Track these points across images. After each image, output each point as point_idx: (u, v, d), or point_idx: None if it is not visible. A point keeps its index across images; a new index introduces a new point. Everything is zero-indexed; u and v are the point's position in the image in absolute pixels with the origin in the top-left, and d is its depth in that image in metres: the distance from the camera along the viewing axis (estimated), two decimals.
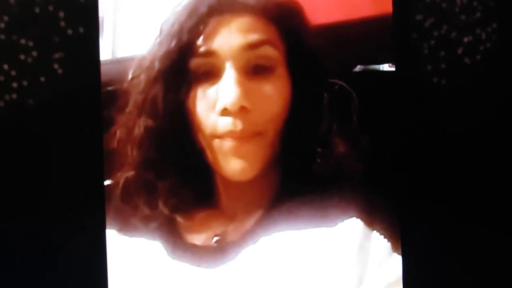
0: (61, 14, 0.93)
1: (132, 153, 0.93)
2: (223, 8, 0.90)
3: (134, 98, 0.92)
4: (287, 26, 0.92)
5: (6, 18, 0.92)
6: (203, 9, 0.90)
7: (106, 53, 0.94)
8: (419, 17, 0.96)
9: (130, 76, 0.93)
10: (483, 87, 0.97)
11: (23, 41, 0.93)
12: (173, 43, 0.90)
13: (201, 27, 0.90)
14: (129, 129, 0.93)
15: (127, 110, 0.93)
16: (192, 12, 0.90)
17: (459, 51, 0.97)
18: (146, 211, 0.94)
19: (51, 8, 0.92)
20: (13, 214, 0.95)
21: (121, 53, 0.94)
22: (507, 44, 0.96)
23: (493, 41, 0.97)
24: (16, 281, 0.96)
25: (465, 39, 0.97)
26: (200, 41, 0.90)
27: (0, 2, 0.91)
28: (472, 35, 0.97)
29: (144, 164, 0.93)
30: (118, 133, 0.93)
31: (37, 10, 0.92)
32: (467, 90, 0.97)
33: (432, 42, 0.96)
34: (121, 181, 0.94)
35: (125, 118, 0.93)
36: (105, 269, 0.94)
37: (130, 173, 0.93)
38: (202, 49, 0.90)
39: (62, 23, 0.93)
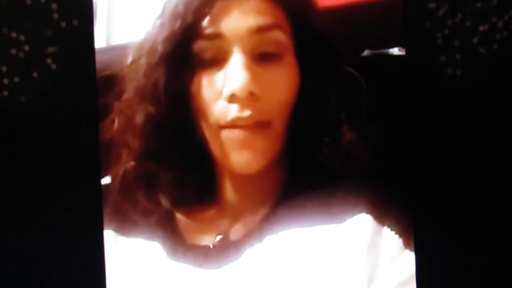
0: (54, 6, 0.91)
1: (132, 143, 0.92)
2: None
3: (134, 83, 0.91)
4: (295, 10, 0.90)
5: None
6: None
7: (100, 41, 0.93)
8: (432, 5, 0.94)
9: (129, 60, 0.91)
10: (500, 78, 0.96)
11: (14, 35, 0.92)
12: (177, 25, 0.89)
13: (207, 8, 0.88)
14: (128, 117, 0.92)
15: (126, 96, 0.92)
16: None
17: (475, 40, 0.95)
18: (146, 204, 0.93)
19: (43, 0, 0.91)
20: (6, 213, 0.95)
21: (115, 41, 0.93)
22: None
23: (510, 29, 0.95)
24: (12, 281, 0.95)
25: (481, 28, 0.95)
26: (205, 22, 0.88)
27: None
28: (488, 23, 0.95)
29: (146, 153, 0.92)
30: (116, 121, 0.92)
31: (28, 2, 0.91)
32: (483, 81, 0.95)
33: (446, 32, 0.95)
34: (120, 173, 0.93)
35: (123, 105, 0.92)
36: (103, 271, 0.93)
37: (130, 164, 0.92)
38: (208, 31, 0.88)
39: (55, 16, 0.92)
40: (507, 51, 0.95)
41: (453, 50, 0.95)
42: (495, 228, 0.97)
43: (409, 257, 0.92)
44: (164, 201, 0.92)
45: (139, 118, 0.91)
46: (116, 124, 0.92)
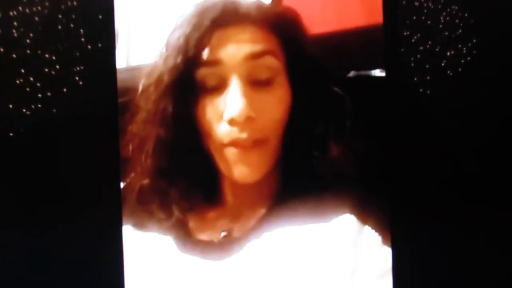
0: (81, 31, 0.97)
1: (146, 162, 0.96)
2: (226, 21, 0.93)
3: (145, 109, 0.95)
4: (286, 35, 0.94)
5: (31, 35, 0.96)
6: (206, 22, 0.93)
7: (121, 62, 0.97)
8: (406, 32, 1.00)
9: (140, 89, 0.95)
10: (464, 96, 1.01)
11: (47, 56, 0.97)
12: (180, 57, 0.93)
13: (206, 40, 0.92)
14: (141, 139, 0.96)
15: (139, 120, 0.95)
16: (196, 25, 0.93)
17: (443, 64, 1.01)
18: (160, 215, 0.97)
19: (72, 25, 0.97)
20: (38, 211, 0.99)
21: (134, 62, 0.97)
22: (485, 58, 1.00)
23: (473, 55, 1.00)
24: (40, 269, 1.00)
25: (448, 53, 1.01)
26: (205, 52, 0.92)
27: (26, 20, 0.96)
28: (454, 49, 1.01)
29: (158, 172, 0.96)
30: (131, 143, 0.96)
31: (59, 27, 0.97)
32: (451, 99, 1.01)
33: (418, 56, 1.00)
34: (137, 188, 0.97)
35: (136, 128, 0.96)
36: (121, 262, 0.98)
37: (145, 181, 0.97)
38: (207, 59, 0.92)
39: (82, 39, 0.97)
40: (471, 73, 1.00)
41: (424, 72, 1.00)
42: (466, 227, 1.02)
43: (387, 252, 0.98)
44: (176, 211, 0.97)
45: (151, 141, 0.95)
46: (131, 146, 0.96)
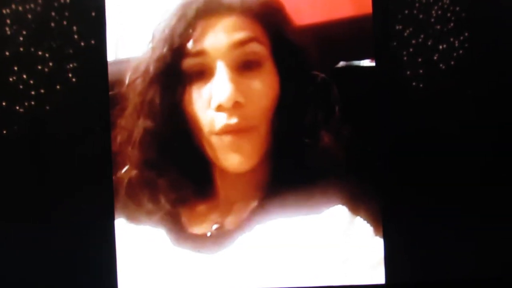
0: (74, 28, 0.98)
1: (133, 154, 0.97)
2: (210, 11, 0.94)
3: (133, 101, 0.96)
4: (271, 23, 0.95)
5: (24, 32, 0.97)
6: (191, 13, 0.94)
7: (111, 56, 0.98)
8: (398, 26, 1.00)
9: (127, 81, 0.96)
10: (456, 89, 1.01)
11: (40, 53, 0.97)
12: (166, 48, 0.94)
13: (191, 30, 0.94)
14: (129, 131, 0.97)
15: (127, 113, 0.96)
16: (181, 16, 0.94)
17: (435, 57, 1.01)
18: (149, 206, 0.98)
19: (65, 22, 0.98)
20: (31, 207, 1.00)
21: (123, 55, 0.98)
22: (477, 51, 1.01)
23: (465, 48, 1.01)
24: (28, 267, 1.00)
25: (440, 47, 1.01)
26: (190, 43, 0.94)
27: (18, 18, 0.97)
28: (447, 43, 1.01)
29: (145, 163, 0.97)
30: (119, 136, 0.97)
31: (52, 24, 0.98)
32: (443, 92, 1.01)
33: (411, 49, 1.01)
34: (125, 180, 0.98)
35: (125, 121, 0.97)
36: (114, 255, 0.99)
37: (133, 172, 0.97)
38: (192, 50, 0.93)
39: (75, 36, 0.98)
40: (463, 67, 1.01)
41: (417, 65, 1.01)
42: (456, 220, 1.03)
43: (379, 243, 0.99)
44: (165, 203, 0.98)
45: (138, 132, 0.96)
46: (119, 139, 0.97)
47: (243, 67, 0.94)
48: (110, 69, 0.97)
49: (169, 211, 0.98)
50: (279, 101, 0.96)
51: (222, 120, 0.94)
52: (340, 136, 0.97)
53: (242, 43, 0.94)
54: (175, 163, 0.97)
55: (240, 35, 0.94)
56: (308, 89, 0.96)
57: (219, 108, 0.94)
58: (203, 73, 0.94)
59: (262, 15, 0.95)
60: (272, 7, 0.96)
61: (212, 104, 0.94)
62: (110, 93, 0.96)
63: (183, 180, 0.98)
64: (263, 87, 0.95)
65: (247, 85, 0.94)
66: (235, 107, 0.93)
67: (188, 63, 0.94)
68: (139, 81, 0.95)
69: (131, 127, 0.96)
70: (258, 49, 0.95)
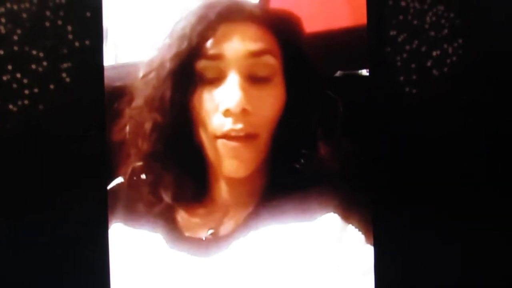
0: (69, 28, 0.98)
1: (142, 145, 0.98)
2: (231, 16, 0.95)
3: (145, 94, 0.97)
4: (285, 37, 0.97)
5: (19, 31, 0.97)
6: (212, 16, 0.95)
7: (110, 59, 0.98)
8: (392, 32, 1.01)
9: (141, 74, 0.97)
10: (449, 96, 1.02)
11: (34, 52, 0.98)
12: (183, 46, 0.95)
13: (210, 32, 0.94)
14: (138, 123, 0.97)
15: (137, 104, 0.97)
16: (202, 17, 0.95)
17: (429, 63, 1.02)
18: (150, 197, 0.99)
19: (60, 22, 0.98)
20: (25, 207, 1.00)
21: (123, 60, 0.99)
22: (471, 58, 1.02)
23: (459, 55, 1.02)
24: (22, 268, 1.00)
25: (434, 53, 1.02)
26: (208, 44, 0.94)
27: (13, 16, 0.97)
28: (440, 49, 1.02)
29: (152, 155, 0.98)
30: (128, 126, 0.98)
31: (47, 24, 0.98)
32: (436, 98, 1.02)
33: (404, 55, 1.02)
34: (129, 170, 0.99)
35: (134, 112, 0.97)
36: (107, 259, 0.99)
37: (138, 164, 0.98)
38: (210, 52, 0.94)
39: (70, 36, 0.98)
40: (456, 73, 1.02)
41: (410, 71, 1.02)
42: (446, 229, 1.04)
43: (370, 251, 0.99)
44: (165, 196, 0.98)
45: (148, 125, 0.97)
46: (127, 129, 0.98)
47: (255, 76, 0.95)
48: (117, 71, 0.98)
49: (167, 208, 0.99)
50: (284, 112, 0.97)
51: (228, 124, 0.95)
52: (339, 148, 0.98)
53: (257, 54, 0.95)
54: (177, 160, 0.98)
55: (257, 46, 0.95)
56: (313, 102, 0.98)
57: (227, 113, 0.95)
58: (216, 77, 0.95)
59: (278, 28, 0.96)
60: (289, 21, 0.97)
61: (220, 108, 0.95)
62: (119, 84, 0.97)
63: (183, 178, 0.98)
64: (271, 98, 0.97)
65: (256, 94, 0.95)
66: (242, 113, 0.94)
67: (203, 64, 0.95)
68: (152, 75, 0.96)
69: (140, 118, 0.97)
70: (272, 61, 0.96)
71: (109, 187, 1.00)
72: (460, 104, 1.02)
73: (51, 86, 0.98)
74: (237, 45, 0.95)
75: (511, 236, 1.05)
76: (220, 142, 0.96)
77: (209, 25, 0.95)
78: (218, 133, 0.95)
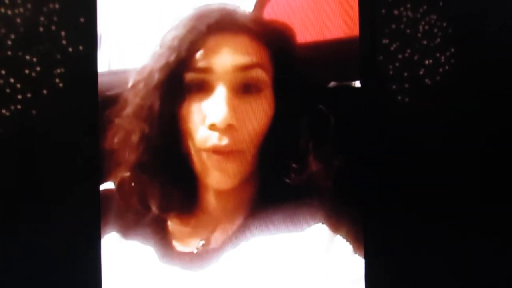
0: (63, 33, 0.98)
1: (129, 156, 0.97)
2: (221, 28, 0.94)
3: (133, 104, 0.96)
4: (278, 50, 0.96)
5: (12, 36, 0.97)
6: (202, 27, 0.94)
7: (103, 65, 0.99)
8: (385, 41, 1.02)
9: (130, 84, 0.96)
10: (442, 105, 1.03)
11: (27, 57, 0.98)
12: (173, 57, 0.94)
13: (200, 44, 0.93)
14: (127, 132, 0.97)
15: (126, 114, 0.96)
16: (191, 28, 0.94)
17: (421, 72, 1.02)
18: (138, 207, 0.98)
19: (53, 27, 0.98)
20: (16, 213, 1.00)
21: (116, 66, 0.99)
22: (463, 67, 1.02)
23: (451, 64, 1.02)
24: (12, 279, 1.00)
25: (426, 62, 1.02)
26: (197, 57, 0.93)
27: (7, 21, 0.97)
28: (433, 58, 1.02)
29: (139, 166, 0.97)
30: (116, 136, 0.97)
31: (41, 29, 0.98)
32: (428, 107, 1.02)
33: (397, 64, 1.02)
34: (117, 180, 0.98)
35: (123, 122, 0.97)
36: (99, 270, 0.99)
37: (126, 174, 0.98)
38: (198, 65, 0.94)
39: (64, 41, 0.98)
40: (449, 82, 1.02)
41: (402, 80, 1.02)
42: (433, 241, 1.04)
43: (358, 261, 0.99)
44: (153, 206, 0.98)
45: (135, 136, 0.96)
46: (116, 138, 0.97)
47: (243, 90, 0.95)
48: (109, 77, 0.98)
49: (157, 219, 0.99)
50: (272, 126, 0.97)
51: (213, 139, 0.94)
52: (330, 164, 0.97)
53: (246, 68, 0.94)
54: (165, 171, 0.98)
55: (246, 59, 0.94)
56: (303, 118, 0.97)
57: (212, 127, 0.94)
58: (204, 89, 0.95)
59: (271, 41, 0.96)
60: (283, 34, 0.97)
61: (206, 121, 0.94)
62: (110, 93, 0.97)
63: (171, 188, 0.98)
64: (259, 112, 0.96)
65: (243, 108, 0.95)
66: (228, 129, 0.94)
67: (191, 76, 0.94)
68: (141, 85, 0.96)
69: (129, 128, 0.97)
70: (261, 75, 0.95)
71: (100, 189, 1.00)
72: (453, 112, 1.02)
73: (44, 91, 0.98)
74: (226, 58, 0.94)
75: (503, 250, 1.05)
76: (206, 155, 0.96)
77: (199, 37, 0.94)
78: (204, 146, 0.95)
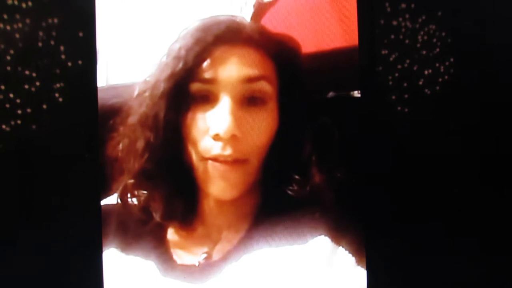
0: (62, 48, 0.98)
1: (133, 164, 0.98)
2: (228, 40, 0.95)
3: (139, 113, 0.97)
4: (284, 63, 0.96)
5: (11, 51, 0.98)
6: (209, 38, 0.94)
7: (102, 79, 0.99)
8: (384, 51, 1.02)
9: (136, 93, 0.97)
10: (441, 115, 1.03)
11: (27, 72, 0.98)
12: (179, 67, 0.94)
13: (206, 55, 0.94)
14: (131, 140, 0.97)
15: (131, 122, 0.97)
16: (198, 39, 0.94)
17: (420, 82, 1.02)
18: (141, 215, 0.99)
19: (52, 42, 0.98)
20: (17, 227, 1.00)
21: (114, 81, 0.99)
22: (463, 77, 1.02)
23: (450, 73, 1.02)
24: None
25: (426, 72, 1.02)
26: (203, 67, 0.94)
27: (6, 37, 0.97)
28: (432, 68, 1.02)
29: (143, 174, 0.98)
30: (121, 143, 0.98)
31: (40, 44, 0.98)
32: (428, 117, 1.02)
33: (396, 74, 1.02)
34: (121, 187, 0.99)
35: (128, 130, 0.97)
36: (101, 286, 0.99)
37: (130, 181, 0.98)
38: (204, 76, 0.94)
39: (63, 56, 0.99)
40: (448, 92, 1.02)
41: (402, 90, 1.02)
42: (435, 252, 1.04)
43: (361, 273, 0.99)
44: (155, 214, 0.98)
45: (140, 143, 0.97)
46: (121, 146, 0.98)
47: (247, 102, 0.95)
48: (111, 91, 0.99)
49: (158, 228, 0.99)
50: (276, 137, 0.97)
51: (216, 149, 0.95)
52: (332, 175, 0.98)
53: (251, 80, 0.95)
54: (168, 179, 0.98)
55: (252, 71, 0.95)
56: (308, 129, 0.97)
57: (216, 137, 0.94)
58: (209, 99, 0.95)
59: (277, 54, 0.96)
60: (288, 47, 0.97)
61: (210, 131, 0.95)
62: (115, 101, 0.98)
63: (173, 197, 0.98)
64: (263, 124, 0.96)
65: (247, 120, 0.95)
66: (231, 139, 0.94)
67: (197, 86, 0.95)
68: (147, 94, 0.96)
69: (133, 136, 0.97)
70: (266, 88, 0.96)
71: (102, 203, 1.00)
72: (452, 122, 1.02)
73: (44, 106, 0.99)
74: (232, 70, 0.94)
75: (504, 261, 1.05)
76: (209, 164, 0.96)
77: (205, 47, 0.94)
78: (207, 155, 0.95)
